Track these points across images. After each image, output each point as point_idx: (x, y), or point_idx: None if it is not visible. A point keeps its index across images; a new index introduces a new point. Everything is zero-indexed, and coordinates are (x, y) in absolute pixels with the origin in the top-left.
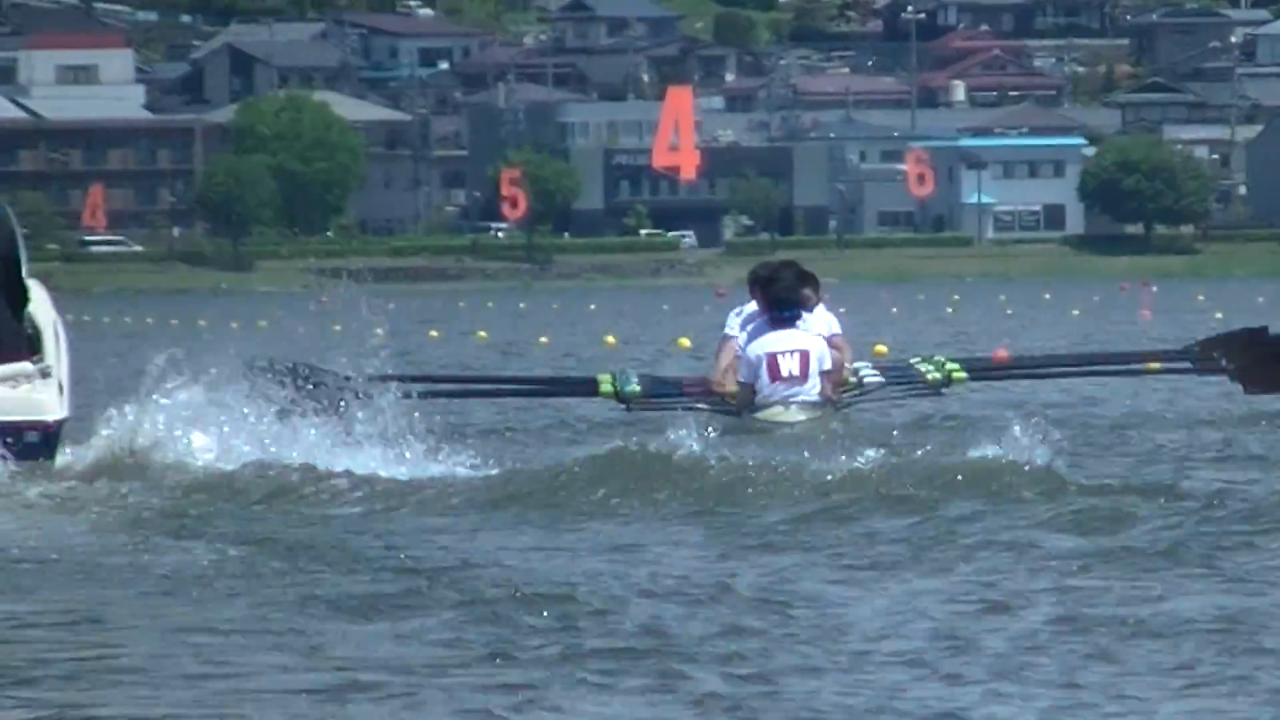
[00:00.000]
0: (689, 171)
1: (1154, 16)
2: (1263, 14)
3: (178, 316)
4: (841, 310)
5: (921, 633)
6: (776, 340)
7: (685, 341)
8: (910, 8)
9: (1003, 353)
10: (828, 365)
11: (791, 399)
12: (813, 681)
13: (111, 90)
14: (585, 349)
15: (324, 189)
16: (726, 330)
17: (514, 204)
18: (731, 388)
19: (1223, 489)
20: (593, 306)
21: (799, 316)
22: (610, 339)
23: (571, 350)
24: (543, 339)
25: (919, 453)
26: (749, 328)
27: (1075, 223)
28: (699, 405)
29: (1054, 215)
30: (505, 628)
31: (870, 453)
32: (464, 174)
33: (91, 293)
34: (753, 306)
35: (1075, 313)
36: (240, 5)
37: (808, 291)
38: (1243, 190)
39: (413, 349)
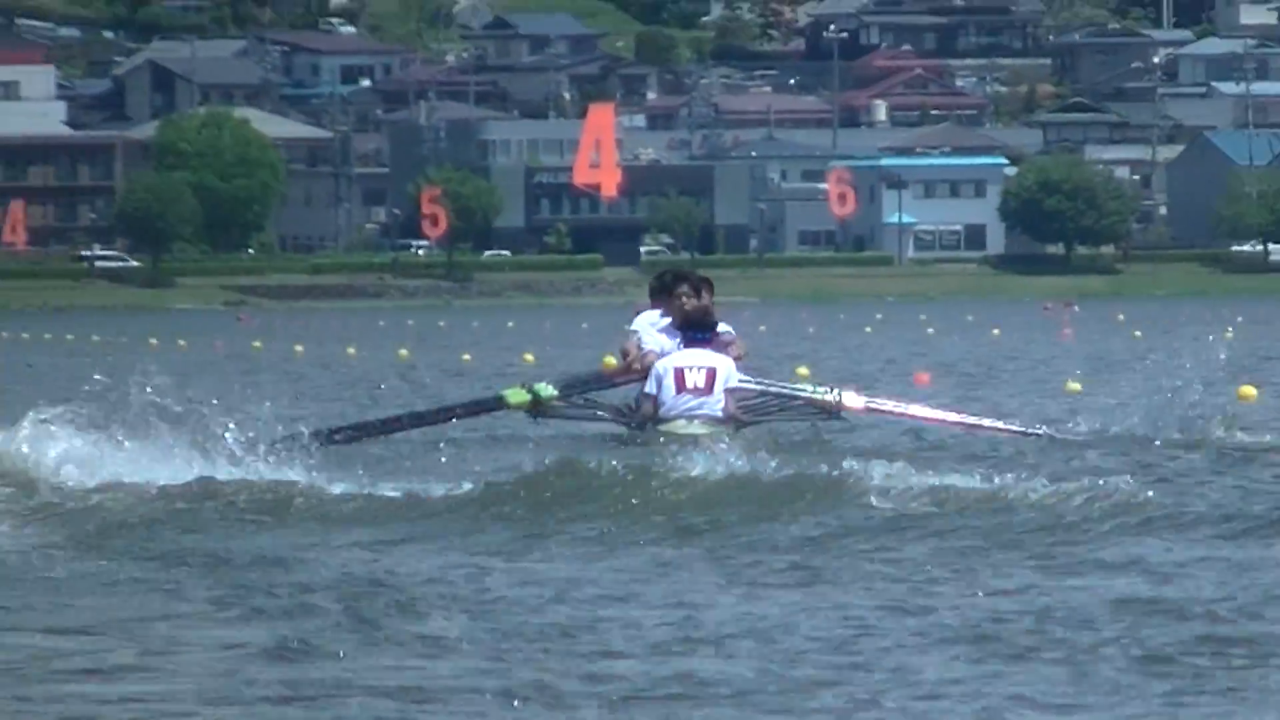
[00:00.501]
0: (610, 190)
1: (1076, 37)
2: (1185, 34)
3: (99, 333)
4: (761, 328)
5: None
6: (686, 357)
7: (611, 360)
8: (832, 27)
9: (924, 375)
10: (734, 383)
11: (695, 413)
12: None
13: (33, 106)
14: (507, 366)
15: (245, 206)
16: (631, 328)
17: (434, 222)
18: (646, 362)
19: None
20: (512, 324)
21: (710, 340)
22: (529, 356)
23: (493, 367)
24: (465, 356)
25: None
26: (661, 334)
27: (996, 243)
28: (602, 416)
29: (975, 235)
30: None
31: (769, 466)
32: (385, 191)
33: (8, 309)
34: (653, 314)
35: (995, 332)
36: (162, 22)
37: (709, 300)
38: (1163, 211)
39: (332, 365)
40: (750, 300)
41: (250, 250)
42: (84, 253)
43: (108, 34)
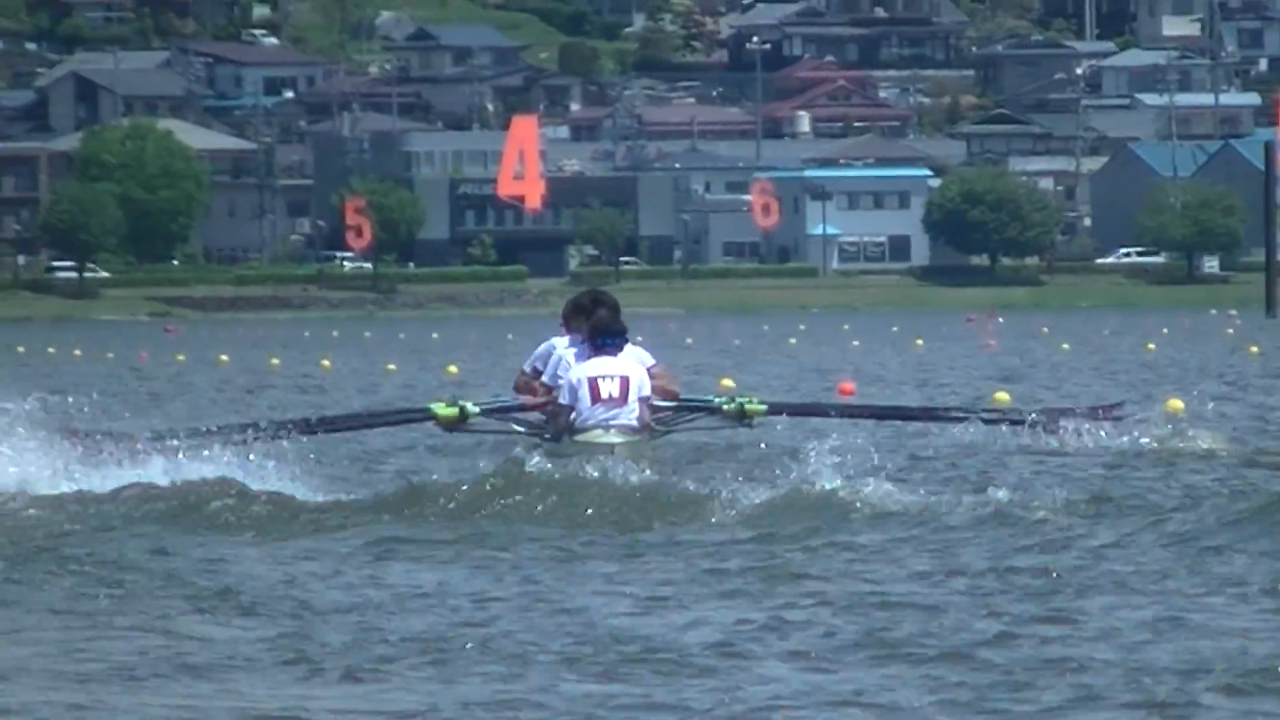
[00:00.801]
0: (534, 201)
1: (999, 48)
2: (1107, 46)
3: (23, 344)
4: (688, 341)
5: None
6: (598, 366)
7: (453, 369)
8: (755, 39)
9: (849, 384)
10: (647, 392)
11: (611, 422)
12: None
13: None
14: (429, 378)
15: (169, 217)
16: (525, 366)
17: (359, 233)
18: (539, 398)
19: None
20: (436, 335)
21: (621, 346)
22: (452, 368)
23: (416, 379)
24: (390, 366)
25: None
26: (573, 352)
27: (920, 254)
28: (518, 429)
29: (899, 246)
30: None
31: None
32: (309, 203)
33: None
34: (564, 341)
35: (919, 342)
36: (85, 33)
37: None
38: (1088, 222)
39: (256, 373)
40: (675, 312)
41: (175, 262)
42: (54, 263)
43: (30, 45)
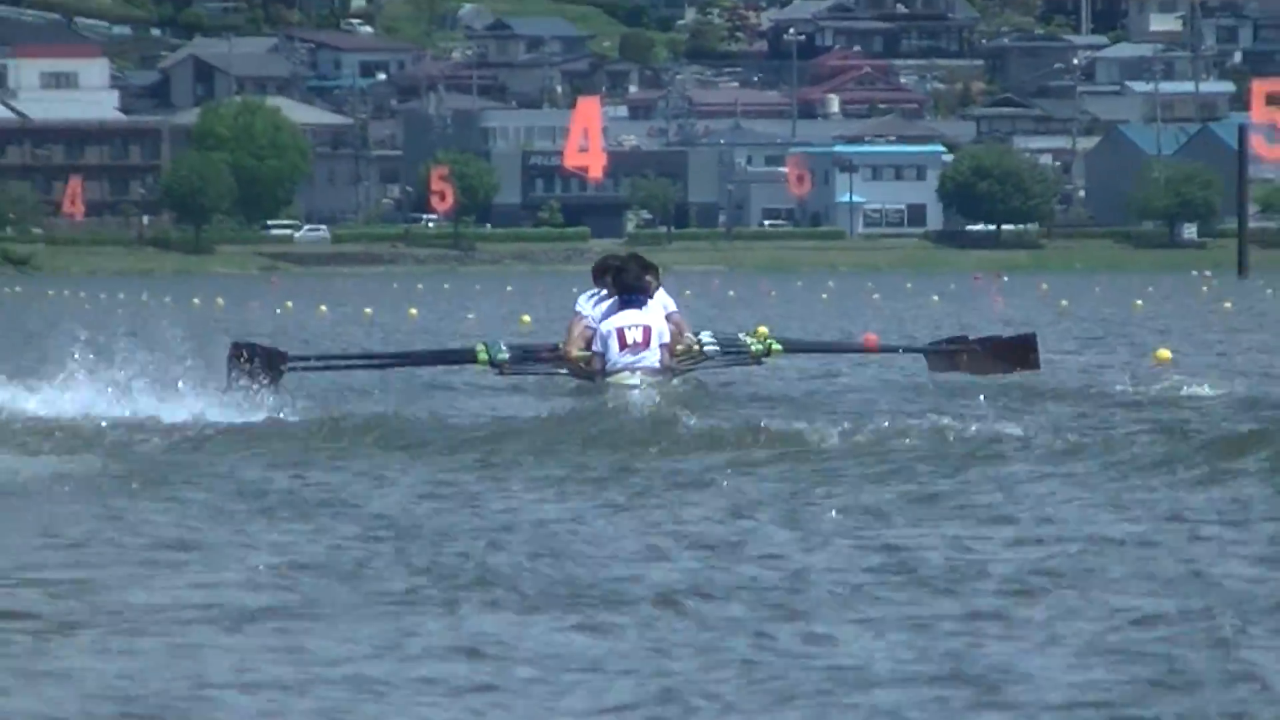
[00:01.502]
0: (596, 172)
1: (1005, 41)
2: (1101, 39)
3: (149, 294)
4: (730, 293)
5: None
6: (624, 318)
7: (526, 319)
8: (791, 30)
9: (872, 337)
10: (667, 339)
11: (635, 365)
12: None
13: (89, 95)
14: (506, 325)
15: (275, 184)
16: (577, 309)
17: (442, 198)
18: (575, 353)
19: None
20: (509, 288)
21: (644, 301)
22: (525, 318)
23: (492, 326)
24: (469, 315)
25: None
26: (601, 308)
27: (935, 220)
28: (560, 371)
29: (916, 214)
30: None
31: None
32: (398, 171)
33: (70, 272)
34: (601, 293)
35: (935, 299)
36: (204, 21)
37: (650, 279)
38: (1082, 194)
39: (351, 323)
40: (719, 269)
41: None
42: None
43: (155, 31)
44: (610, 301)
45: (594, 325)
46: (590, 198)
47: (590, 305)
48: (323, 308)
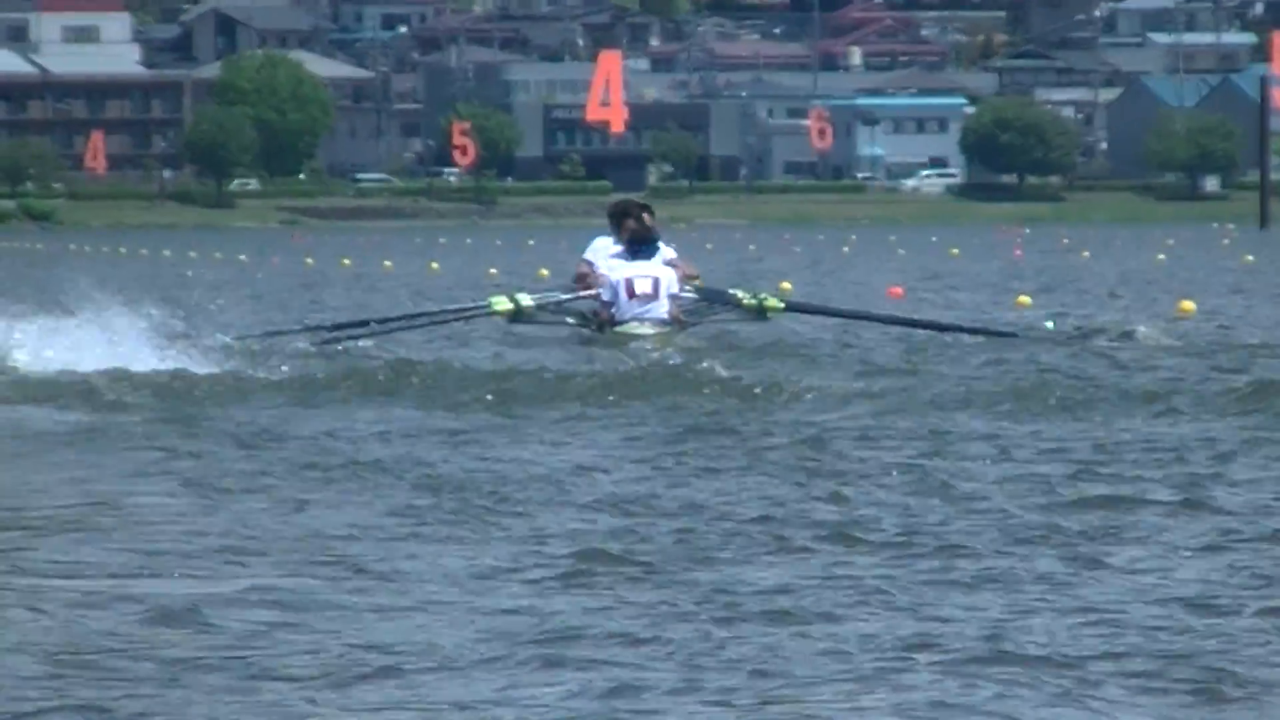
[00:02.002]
0: (618, 125)
1: None
2: None
3: (169, 248)
4: (751, 248)
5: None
6: (634, 268)
7: (544, 271)
8: None
9: (897, 289)
10: (675, 290)
11: (644, 316)
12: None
13: (111, 49)
14: (525, 279)
15: (297, 137)
16: (586, 255)
17: (464, 152)
18: (600, 281)
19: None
20: (532, 242)
21: (653, 251)
22: (544, 271)
23: (513, 279)
24: (491, 270)
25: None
26: (611, 257)
27: (957, 172)
28: (570, 322)
29: (939, 166)
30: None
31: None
32: (420, 125)
33: (91, 227)
34: (607, 241)
35: (955, 251)
36: None
37: (648, 218)
38: (1104, 146)
39: (373, 276)
40: (740, 223)
41: (302, 176)
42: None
43: None
44: (619, 250)
45: (604, 274)
46: (612, 151)
47: (602, 254)
48: (346, 260)
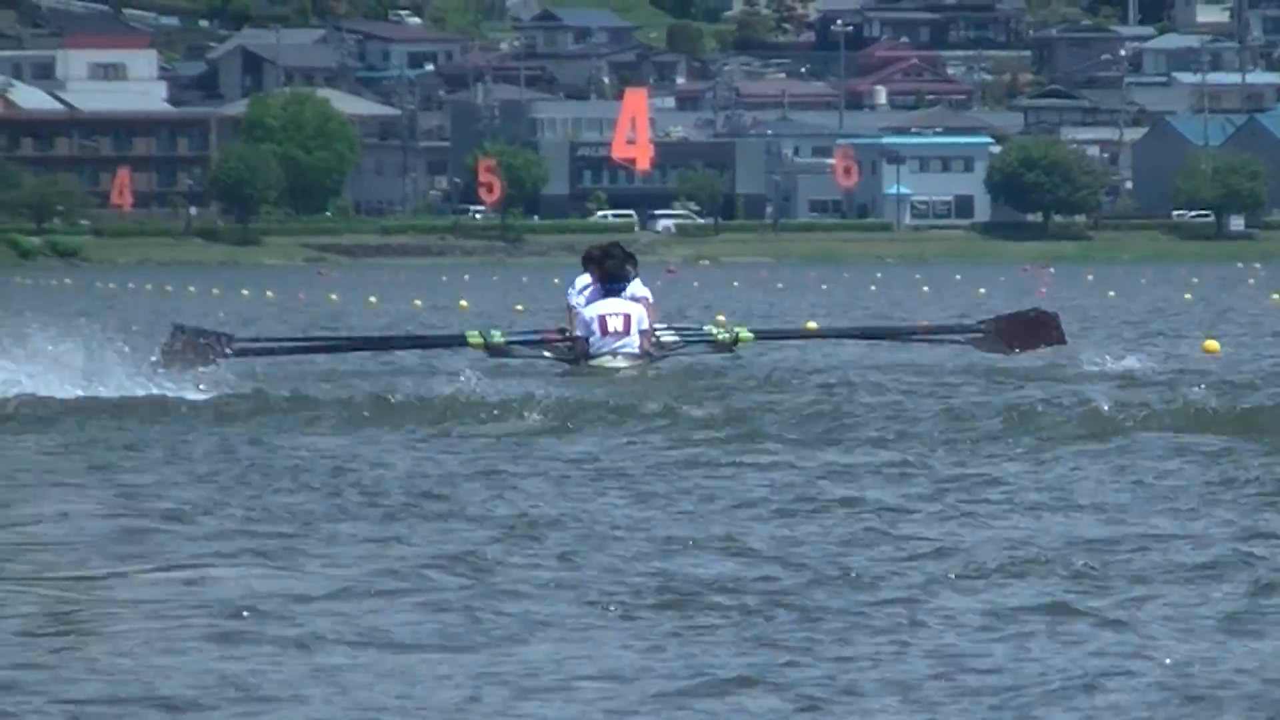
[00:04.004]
0: (644, 163)
1: (1053, 31)
2: (1148, 30)
3: (194, 284)
4: (779, 285)
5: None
6: (607, 306)
7: (464, 304)
8: (839, 21)
9: (925, 323)
10: (645, 326)
11: (617, 350)
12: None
13: (137, 86)
14: (553, 314)
15: (323, 175)
16: (569, 300)
17: (490, 189)
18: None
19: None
20: (557, 280)
21: (623, 289)
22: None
23: (541, 318)
24: (518, 306)
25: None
26: (586, 293)
27: (983, 211)
28: (545, 354)
29: (964, 205)
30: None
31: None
32: (446, 163)
33: (117, 263)
34: (586, 278)
35: (981, 291)
36: (251, 12)
37: (630, 268)
38: (1129, 185)
39: (401, 316)
40: (766, 260)
41: (328, 213)
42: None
43: (203, 23)
44: (593, 289)
45: (579, 310)
46: (638, 189)
47: (580, 295)
48: (372, 299)
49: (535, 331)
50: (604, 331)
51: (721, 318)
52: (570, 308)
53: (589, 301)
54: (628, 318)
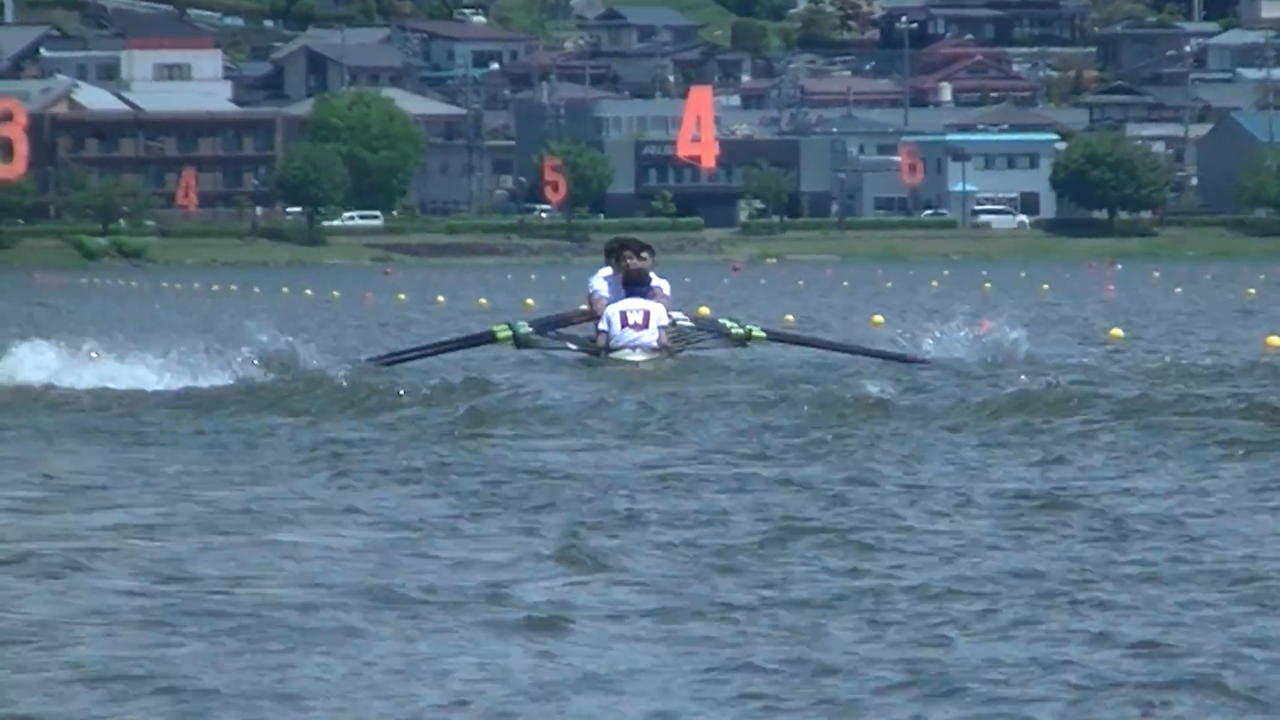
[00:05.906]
0: (709, 161)
1: (1118, 28)
2: (1213, 26)
3: (260, 285)
4: (845, 284)
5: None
6: (628, 304)
7: (530, 302)
8: (904, 19)
9: (987, 322)
10: (664, 321)
11: (636, 344)
12: None
13: (202, 86)
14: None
15: (389, 174)
16: (592, 289)
17: (555, 189)
18: (599, 308)
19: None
20: None
21: (647, 289)
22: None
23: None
24: (582, 307)
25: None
26: (610, 289)
27: (1048, 208)
28: (571, 348)
29: (1029, 202)
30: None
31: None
32: (511, 162)
33: (183, 264)
34: (608, 270)
35: (1045, 287)
36: (316, 12)
37: (646, 255)
38: (1194, 181)
39: (469, 313)
40: (831, 259)
41: (394, 213)
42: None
43: (268, 23)
44: (613, 282)
45: (605, 300)
46: (703, 187)
47: (605, 285)
48: (440, 298)
49: (556, 315)
50: (624, 324)
51: (878, 319)
52: (592, 292)
53: (610, 294)
54: (647, 314)
